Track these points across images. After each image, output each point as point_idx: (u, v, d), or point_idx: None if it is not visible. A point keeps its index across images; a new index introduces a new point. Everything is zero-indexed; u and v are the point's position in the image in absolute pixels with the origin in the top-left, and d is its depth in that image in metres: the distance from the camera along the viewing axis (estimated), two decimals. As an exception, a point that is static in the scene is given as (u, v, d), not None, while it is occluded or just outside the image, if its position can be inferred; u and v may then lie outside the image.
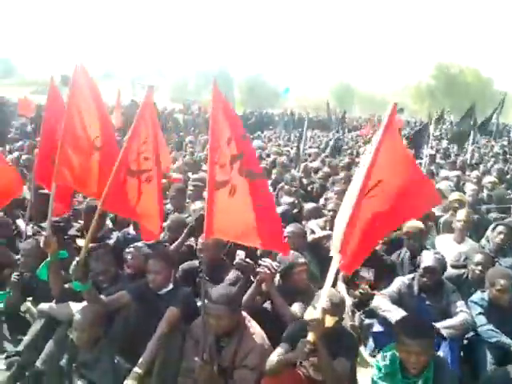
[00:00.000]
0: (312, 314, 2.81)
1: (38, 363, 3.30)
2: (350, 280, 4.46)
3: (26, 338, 3.49)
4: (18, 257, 4.25)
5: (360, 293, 4.30)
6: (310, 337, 2.63)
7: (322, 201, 6.96)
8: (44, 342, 3.45)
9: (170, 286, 3.54)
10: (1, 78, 51.23)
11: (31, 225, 4.89)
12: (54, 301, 3.65)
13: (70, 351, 3.25)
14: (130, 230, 4.86)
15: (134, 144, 3.40)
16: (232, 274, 3.88)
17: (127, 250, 4.06)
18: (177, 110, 24.12)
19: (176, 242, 4.38)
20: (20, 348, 3.44)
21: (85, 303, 3.44)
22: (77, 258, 3.26)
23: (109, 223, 5.30)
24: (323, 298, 2.74)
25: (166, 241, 4.56)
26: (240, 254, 4.13)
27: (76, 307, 3.49)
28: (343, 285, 4.36)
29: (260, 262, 3.49)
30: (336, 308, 2.95)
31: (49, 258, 3.50)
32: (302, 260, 3.73)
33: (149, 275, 3.49)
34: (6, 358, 3.71)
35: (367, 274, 4.40)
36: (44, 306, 3.61)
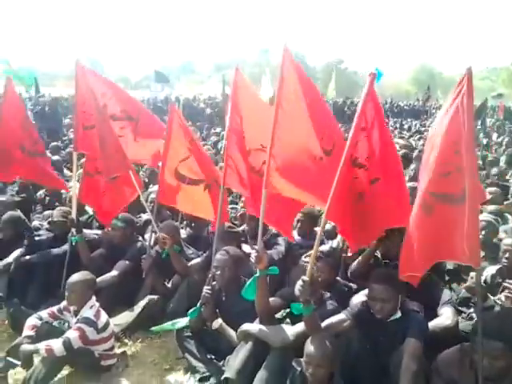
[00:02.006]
0: None
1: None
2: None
3: (235, 363, 3.14)
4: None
5: None
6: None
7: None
8: (254, 368, 3.11)
9: (399, 314, 3.04)
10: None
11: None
12: (257, 320, 3.31)
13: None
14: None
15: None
16: None
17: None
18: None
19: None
20: (229, 374, 3.09)
21: (300, 327, 3.05)
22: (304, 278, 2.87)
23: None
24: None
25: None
26: None
27: (291, 331, 3.11)
28: None
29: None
30: None
31: (257, 274, 3.14)
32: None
33: (373, 303, 3.02)
34: (201, 380, 3.46)
35: None
36: (251, 327, 3.25)
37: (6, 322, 4.31)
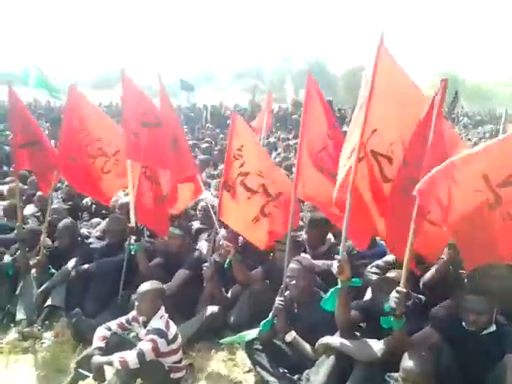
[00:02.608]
0: None
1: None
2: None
3: (319, 379, 3.01)
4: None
5: None
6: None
7: None
8: (338, 383, 2.98)
9: (493, 327, 2.88)
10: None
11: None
12: (338, 333, 3.18)
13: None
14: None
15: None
16: None
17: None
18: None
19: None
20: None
21: (387, 342, 2.91)
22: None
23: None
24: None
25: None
26: None
27: (377, 346, 2.97)
28: None
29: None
30: None
31: (339, 285, 3.01)
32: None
33: (466, 314, 2.87)
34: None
35: None
36: (332, 340, 3.11)
37: (62, 332, 4.25)
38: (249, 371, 3.74)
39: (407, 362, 2.57)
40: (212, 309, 4.23)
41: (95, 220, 6.12)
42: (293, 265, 3.51)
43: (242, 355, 3.93)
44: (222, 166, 9.65)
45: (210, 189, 8.44)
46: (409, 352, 2.64)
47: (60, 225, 4.88)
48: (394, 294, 2.70)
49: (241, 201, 4.29)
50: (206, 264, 4.22)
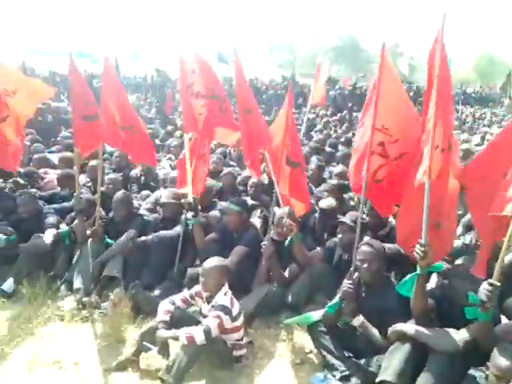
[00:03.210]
0: None
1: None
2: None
3: (393, 365, 2.90)
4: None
5: None
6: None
7: None
8: (413, 371, 2.88)
9: None
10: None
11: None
12: (412, 322, 3.06)
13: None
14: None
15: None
16: None
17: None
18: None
19: None
20: (388, 376, 2.86)
21: (470, 332, 2.77)
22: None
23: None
24: None
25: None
26: None
27: (459, 337, 2.83)
28: None
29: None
30: None
31: (418, 271, 2.87)
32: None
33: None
34: (341, 379, 3.24)
35: None
36: (407, 327, 2.99)
37: (119, 302, 4.26)
38: (309, 352, 3.68)
39: (500, 360, 2.44)
40: (270, 287, 4.17)
41: (145, 192, 6.10)
42: (364, 248, 3.38)
43: (300, 335, 3.88)
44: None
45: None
46: (498, 348, 2.50)
47: (116, 196, 4.86)
48: (485, 287, 2.55)
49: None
50: (265, 242, 4.14)
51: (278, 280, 4.20)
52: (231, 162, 7.86)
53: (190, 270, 4.36)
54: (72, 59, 4.47)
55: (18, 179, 5.62)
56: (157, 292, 4.27)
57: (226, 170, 6.30)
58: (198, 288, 3.56)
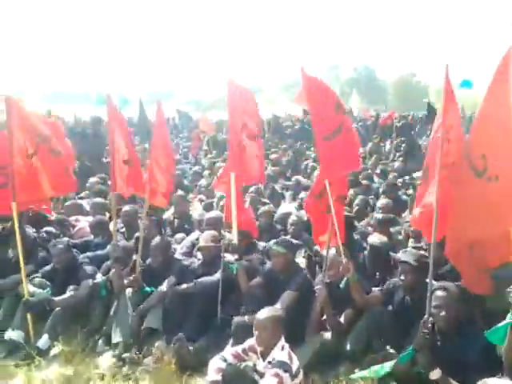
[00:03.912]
0: None
1: None
2: None
3: None
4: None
5: None
6: None
7: None
8: None
9: None
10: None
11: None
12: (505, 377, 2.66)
13: None
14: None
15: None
16: None
17: None
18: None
19: None
20: None
21: None
22: None
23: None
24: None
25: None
26: None
27: None
28: None
29: None
30: None
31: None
32: None
33: None
34: None
35: None
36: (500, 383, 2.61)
37: (162, 357, 3.94)
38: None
39: None
40: (325, 335, 3.81)
41: (179, 235, 5.85)
42: (440, 293, 3.04)
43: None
44: (294, 178, 9.34)
45: (285, 200, 8.10)
46: None
47: (154, 242, 4.62)
48: None
49: None
50: (317, 285, 3.81)
51: (334, 327, 3.84)
52: (263, 200, 7.61)
53: (236, 319, 4.03)
54: (111, 101, 4.40)
55: (51, 228, 5.45)
56: (202, 344, 3.95)
57: (262, 208, 6.04)
58: (250, 342, 3.24)
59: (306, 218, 5.67)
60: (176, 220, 6.28)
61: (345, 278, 3.77)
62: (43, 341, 4.20)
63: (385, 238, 4.51)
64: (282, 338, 3.14)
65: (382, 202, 5.75)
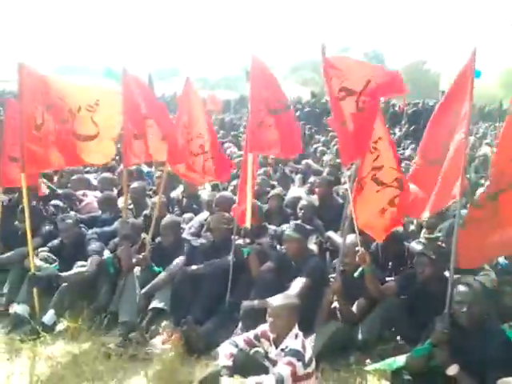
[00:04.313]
0: None
1: None
2: None
3: None
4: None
5: None
6: None
7: None
8: None
9: None
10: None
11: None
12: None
13: None
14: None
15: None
16: None
17: None
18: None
19: None
20: None
21: None
22: None
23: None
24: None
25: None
26: None
27: None
28: None
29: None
30: None
31: None
32: None
33: None
34: None
35: None
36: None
37: (169, 338, 3.88)
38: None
39: None
40: (336, 324, 3.73)
41: (187, 215, 5.75)
42: (463, 288, 2.94)
43: (373, 380, 3.42)
44: (304, 161, 9.15)
45: (295, 183, 7.96)
46: None
47: (164, 221, 4.52)
48: None
49: (367, 194, 3.82)
50: (333, 274, 3.72)
51: (347, 316, 3.76)
52: (272, 182, 7.48)
53: (244, 303, 3.95)
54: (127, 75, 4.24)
55: (58, 202, 5.35)
56: (209, 327, 3.88)
57: (272, 191, 5.92)
58: (263, 328, 3.15)
59: (316, 203, 5.58)
60: (184, 199, 6.18)
61: (360, 268, 3.66)
62: (49, 316, 4.13)
63: (398, 228, 4.41)
64: (296, 326, 3.06)
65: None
